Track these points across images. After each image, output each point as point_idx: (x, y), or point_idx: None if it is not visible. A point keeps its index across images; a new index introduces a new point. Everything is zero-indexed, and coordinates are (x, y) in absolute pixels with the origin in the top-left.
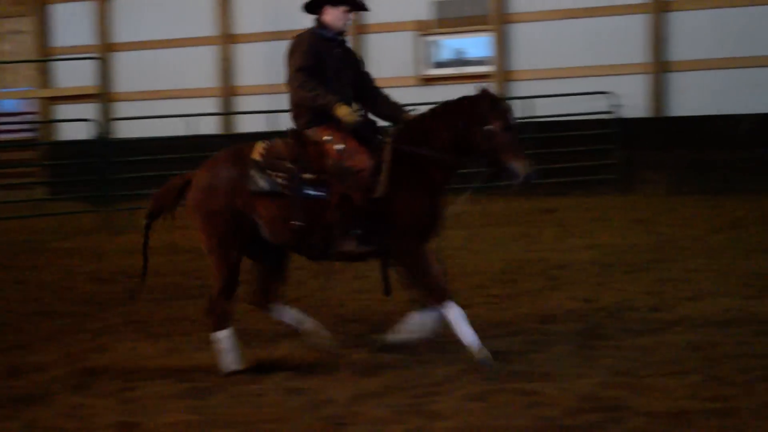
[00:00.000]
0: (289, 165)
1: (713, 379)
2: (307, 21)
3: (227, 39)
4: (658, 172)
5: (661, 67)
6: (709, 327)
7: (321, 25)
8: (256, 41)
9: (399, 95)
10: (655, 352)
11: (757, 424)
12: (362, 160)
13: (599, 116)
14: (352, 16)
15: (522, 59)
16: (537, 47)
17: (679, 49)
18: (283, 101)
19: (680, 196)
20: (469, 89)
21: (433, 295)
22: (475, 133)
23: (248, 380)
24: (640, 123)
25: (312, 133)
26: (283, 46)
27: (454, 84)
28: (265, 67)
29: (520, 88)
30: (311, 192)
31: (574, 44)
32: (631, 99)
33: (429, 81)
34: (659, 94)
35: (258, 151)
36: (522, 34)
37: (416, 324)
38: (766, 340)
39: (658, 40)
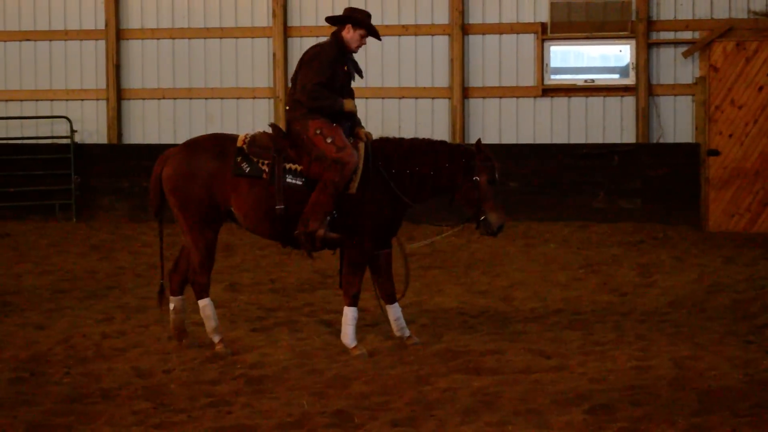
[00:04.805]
0: (273, 154)
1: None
2: None
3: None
4: (117, 199)
5: (117, 94)
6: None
7: (339, 40)
8: None
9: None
10: (103, 379)
11: None
12: (349, 155)
13: (57, 141)
14: (365, 41)
15: None
16: None
17: (135, 77)
18: None
19: (138, 223)
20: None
21: (348, 293)
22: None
23: None
24: (99, 149)
25: (301, 126)
26: None
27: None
28: None
29: None
30: (292, 180)
31: (32, 67)
32: (90, 125)
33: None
34: (117, 120)
35: (242, 140)
36: None
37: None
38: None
39: (114, 66)
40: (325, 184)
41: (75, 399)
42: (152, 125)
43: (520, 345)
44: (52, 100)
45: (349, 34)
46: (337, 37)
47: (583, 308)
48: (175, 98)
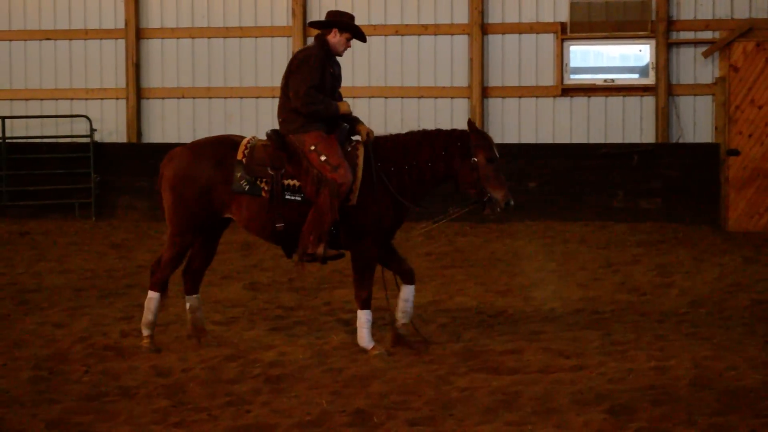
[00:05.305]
0: (270, 172)
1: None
2: None
3: None
4: (137, 198)
5: (137, 93)
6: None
7: (325, 44)
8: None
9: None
10: (123, 377)
11: None
12: (344, 175)
13: (76, 139)
14: (350, 44)
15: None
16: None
17: (155, 76)
18: None
19: (157, 222)
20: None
21: (359, 297)
22: (461, 164)
23: None
24: (118, 148)
25: (296, 139)
26: None
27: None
28: None
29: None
30: (291, 196)
31: (52, 66)
32: (109, 124)
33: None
34: (136, 119)
35: (242, 150)
36: None
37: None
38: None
39: (134, 65)
40: (320, 207)
41: (94, 397)
42: (172, 124)
43: (539, 344)
44: (71, 99)
45: (336, 38)
46: (322, 41)
47: (602, 308)
48: (194, 97)
